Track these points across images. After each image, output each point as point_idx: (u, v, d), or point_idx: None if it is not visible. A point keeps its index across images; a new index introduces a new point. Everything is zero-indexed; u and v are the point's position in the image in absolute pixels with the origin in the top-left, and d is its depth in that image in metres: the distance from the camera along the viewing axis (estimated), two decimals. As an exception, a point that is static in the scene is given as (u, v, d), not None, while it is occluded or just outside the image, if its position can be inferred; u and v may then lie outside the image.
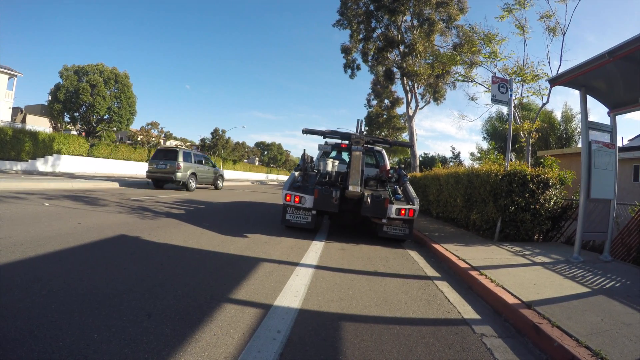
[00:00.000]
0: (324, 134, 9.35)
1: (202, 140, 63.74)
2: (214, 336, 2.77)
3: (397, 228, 7.50)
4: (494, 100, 9.00)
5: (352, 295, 3.99)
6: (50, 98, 35.30)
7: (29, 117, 46.64)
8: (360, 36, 28.69)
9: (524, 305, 3.59)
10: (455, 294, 4.38)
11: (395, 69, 27.93)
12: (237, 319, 3.11)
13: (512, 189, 7.35)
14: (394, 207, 7.13)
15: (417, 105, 27.91)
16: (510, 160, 8.64)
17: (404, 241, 7.93)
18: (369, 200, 6.99)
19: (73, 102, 34.34)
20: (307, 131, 9.26)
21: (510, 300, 3.74)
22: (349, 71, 31.20)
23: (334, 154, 11.49)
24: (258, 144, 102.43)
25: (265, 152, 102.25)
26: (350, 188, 7.05)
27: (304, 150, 9.17)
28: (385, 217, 7.15)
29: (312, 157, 9.73)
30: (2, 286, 3.38)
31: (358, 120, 9.49)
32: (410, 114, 27.26)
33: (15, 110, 46.99)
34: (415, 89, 27.71)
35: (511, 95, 8.97)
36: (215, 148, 61.51)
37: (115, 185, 18.49)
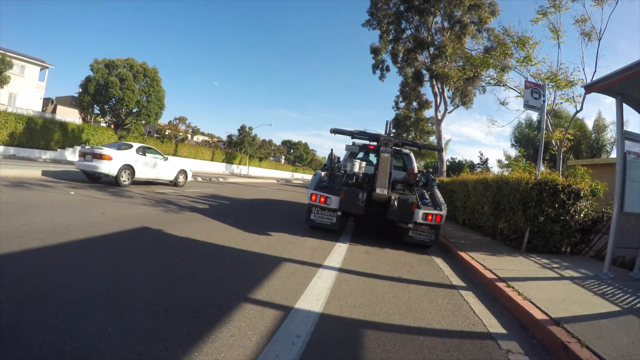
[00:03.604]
0: (352, 134, 9.32)
1: (229, 136, 64.11)
2: (231, 337, 2.74)
3: (423, 233, 7.42)
4: (527, 105, 8.81)
5: (375, 301, 3.97)
6: (80, 90, 36.14)
7: (59, 107, 47.95)
8: (390, 37, 28.46)
9: (552, 322, 3.50)
10: (481, 306, 4.30)
11: (424, 71, 27.62)
12: (256, 320, 3.10)
13: (542, 198, 7.17)
14: (420, 212, 7.06)
15: (445, 109, 27.48)
16: (540, 169, 8.42)
17: (429, 247, 7.83)
18: (395, 203, 6.93)
19: (103, 95, 35.09)
20: (335, 131, 9.24)
21: (538, 315, 3.65)
22: (378, 72, 30.98)
23: (361, 155, 11.43)
24: (284, 142, 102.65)
25: (292, 151, 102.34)
26: (378, 190, 7.02)
27: (331, 150, 9.16)
28: (412, 222, 7.09)
29: (338, 158, 9.71)
30: (20, 273, 3.44)
31: (387, 121, 9.43)
32: (439, 117, 26.89)
33: (46, 101, 48.60)
34: (445, 92, 27.32)
35: (544, 101, 8.76)
36: (242, 145, 61.78)
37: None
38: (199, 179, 25.48)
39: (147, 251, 4.84)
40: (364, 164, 9.47)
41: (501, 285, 4.73)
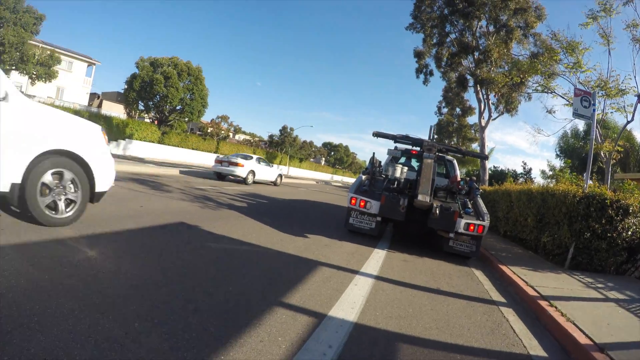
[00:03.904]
0: (395, 138, 9.25)
1: (270, 136, 64.97)
2: (260, 342, 2.69)
3: (463, 244, 7.28)
4: (576, 114, 8.53)
5: (412, 313, 3.94)
6: (126, 86, 37.53)
7: (105, 102, 49.93)
8: (434, 41, 28.08)
9: (596, 348, 3.38)
10: (521, 324, 4.20)
11: (468, 76, 27.07)
12: (287, 326, 3.04)
13: (589, 213, 6.88)
14: (462, 222, 6.94)
15: (490, 116, 26.82)
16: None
17: (470, 258, 7.69)
18: (437, 211, 6.84)
19: (147, 92, 36.31)
20: (378, 134, 9.20)
21: (582, 339, 3.54)
22: (422, 76, 30.53)
23: (403, 160, 11.31)
24: (325, 144, 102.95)
25: (332, 153, 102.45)
26: (420, 197, 6.95)
27: (373, 153, 9.12)
28: (453, 231, 6.99)
29: (380, 162, 9.66)
30: (52, 261, 3.50)
31: (431, 126, 9.32)
32: (483, 124, 26.28)
33: (93, 96, 50.84)
34: (489, 98, 26.69)
35: (594, 110, 8.46)
36: (283, 145, 62.47)
37: (180, 173, 19.41)
38: (240, 178, 25.98)
39: (182, 247, 4.90)
40: (405, 169, 9.38)
41: (543, 303, 4.61)
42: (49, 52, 27.75)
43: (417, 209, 7.18)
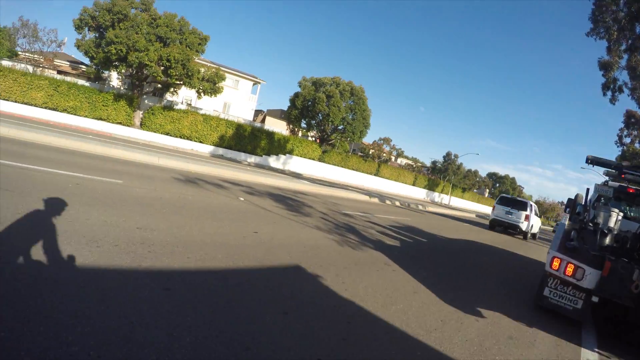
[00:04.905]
0: (621, 169, 6.55)
1: (433, 162, 62.43)
2: None
3: None
4: None
5: None
6: (289, 104, 38.91)
7: (268, 118, 52.80)
8: (622, 47, 22.78)
9: None
10: None
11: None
12: None
13: None
14: None
15: None
16: None
17: None
18: None
19: (309, 110, 37.03)
20: (593, 161, 6.65)
21: None
22: (609, 93, 25.23)
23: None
24: (490, 175, 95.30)
25: (497, 185, 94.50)
26: None
27: (587, 190, 6.81)
28: None
29: (588, 202, 7.07)
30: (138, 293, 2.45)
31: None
32: None
33: (257, 112, 54.37)
34: None
35: None
36: (446, 172, 59.35)
37: (334, 192, 18.56)
38: (397, 203, 24.25)
39: (276, 317, 3.37)
40: (621, 215, 6.65)
41: None
42: (214, 69, 29.90)
43: None
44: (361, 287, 4.84)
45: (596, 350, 4.86)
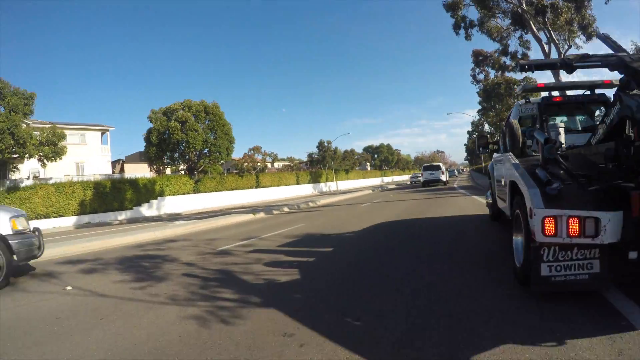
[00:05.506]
0: (570, 64, 4.29)
1: (310, 155, 61.45)
2: None
3: None
4: None
5: None
6: (145, 143, 35.02)
7: (128, 165, 48.83)
8: None
9: None
10: None
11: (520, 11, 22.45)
12: None
13: None
14: None
15: (559, 52, 21.98)
16: None
17: None
18: None
19: (168, 143, 33.50)
20: (530, 66, 4.49)
21: None
22: (462, 32, 26.54)
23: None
24: (366, 149, 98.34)
25: (376, 156, 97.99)
26: None
27: (526, 100, 6.31)
28: None
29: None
30: None
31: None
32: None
33: (115, 163, 49.60)
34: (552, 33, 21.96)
35: None
36: (324, 161, 58.69)
37: (211, 224, 15.21)
38: (286, 209, 21.30)
39: None
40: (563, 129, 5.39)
41: None
42: (49, 129, 25.75)
43: None
44: None
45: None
